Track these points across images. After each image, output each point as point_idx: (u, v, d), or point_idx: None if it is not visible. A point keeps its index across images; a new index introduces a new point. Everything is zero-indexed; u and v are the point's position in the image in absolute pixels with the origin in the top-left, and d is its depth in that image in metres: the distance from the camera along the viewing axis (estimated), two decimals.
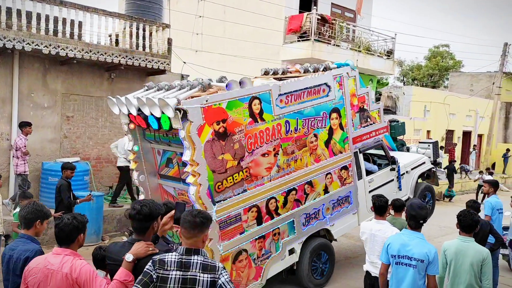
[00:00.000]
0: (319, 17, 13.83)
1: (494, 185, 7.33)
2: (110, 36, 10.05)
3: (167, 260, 2.76)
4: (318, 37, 13.83)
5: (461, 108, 21.44)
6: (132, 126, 5.93)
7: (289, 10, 14.38)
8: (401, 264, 3.89)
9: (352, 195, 7.20)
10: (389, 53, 16.51)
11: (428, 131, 19.64)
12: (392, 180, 8.06)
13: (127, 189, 9.92)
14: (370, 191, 7.45)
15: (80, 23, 9.48)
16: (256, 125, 5.69)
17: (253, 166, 5.68)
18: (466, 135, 22.62)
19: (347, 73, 7.10)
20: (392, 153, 8.35)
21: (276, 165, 5.98)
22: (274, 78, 6.67)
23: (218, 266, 2.78)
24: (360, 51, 15.13)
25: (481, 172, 16.43)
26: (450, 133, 21.19)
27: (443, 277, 4.22)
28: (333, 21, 14.45)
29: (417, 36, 33.71)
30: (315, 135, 6.57)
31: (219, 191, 5.31)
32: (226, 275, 2.76)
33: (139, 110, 5.39)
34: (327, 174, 6.74)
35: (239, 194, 5.52)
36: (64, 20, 9.14)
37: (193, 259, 2.76)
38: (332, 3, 15.93)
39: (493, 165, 21.46)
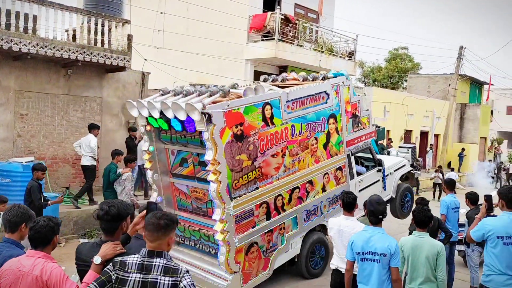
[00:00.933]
0: (283, 17, 13.88)
1: (450, 184, 7.54)
2: (67, 31, 9.69)
3: (128, 262, 2.68)
4: (282, 36, 13.87)
5: (419, 109, 22.13)
6: (148, 128, 6.51)
7: (253, 9, 14.35)
8: (366, 260, 3.96)
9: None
10: (351, 55, 16.79)
11: (388, 131, 20.15)
12: (378, 180, 8.74)
13: (81, 188, 9.63)
14: (360, 190, 8.12)
15: (34, 17, 9.06)
16: (267, 128, 6.29)
17: (264, 166, 6.27)
18: (424, 134, 23.38)
19: (343, 82, 7.78)
20: (377, 156, 9.08)
21: (283, 165, 6.60)
22: (274, 85, 7.21)
23: (181, 269, 2.70)
24: (323, 52, 15.30)
25: (437, 171, 16.98)
26: (408, 133, 21.83)
27: (402, 271, 4.32)
28: (297, 21, 14.54)
29: (377, 38, 34.54)
30: (316, 138, 7.23)
31: (235, 188, 5.84)
32: (188, 278, 2.68)
33: (160, 113, 5.84)
34: (324, 174, 7.41)
35: (252, 191, 6.07)
36: (17, 13, 8.71)
37: (155, 262, 2.68)
38: (295, 4, 16.04)
39: (449, 164, 22.27)
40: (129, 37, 10.44)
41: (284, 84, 7.66)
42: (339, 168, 7.71)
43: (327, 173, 7.44)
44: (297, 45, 14.45)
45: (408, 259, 4.22)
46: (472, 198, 6.74)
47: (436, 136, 24.28)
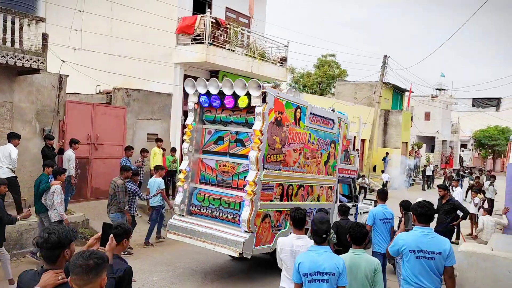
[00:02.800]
0: (214, 20, 13.50)
1: (381, 195, 7.54)
2: None
3: None
4: (213, 40, 13.49)
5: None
6: (196, 106, 7.75)
7: (182, 11, 13.82)
8: (314, 282, 3.82)
9: (330, 211, 8.77)
10: (283, 61, 16.81)
11: None
12: (352, 214, 9.54)
13: (15, 203, 8.81)
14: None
15: None
16: (295, 126, 7.71)
17: (287, 155, 7.59)
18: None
19: (344, 120, 9.32)
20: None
21: (298, 162, 7.92)
22: None
23: None
24: (254, 57, 15.14)
25: (363, 176, 17.46)
26: None
27: None
28: (228, 25, 14.23)
29: (307, 45, 35.30)
30: (321, 153, 8.59)
31: (267, 162, 7.12)
32: None
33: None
34: (321, 186, 8.69)
35: (276, 170, 7.35)
36: None
37: None
38: (226, 7, 15.74)
39: (374, 168, 23.18)
40: (44, 37, 9.47)
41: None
42: (330, 188, 9.05)
43: (322, 186, 8.73)
44: (229, 49, 14.14)
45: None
46: (405, 206, 6.73)
47: (363, 141, 25.18)
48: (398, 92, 32.20)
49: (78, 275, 2.42)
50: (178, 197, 7.87)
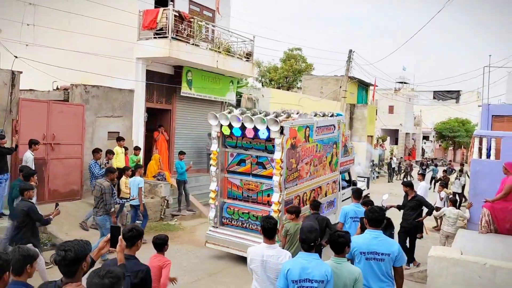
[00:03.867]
0: (176, 14, 13.05)
1: (355, 193, 7.64)
2: None
3: None
4: (176, 35, 13.06)
5: (314, 109, 22.75)
6: (219, 134, 8.73)
7: (143, 4, 13.28)
8: None
9: (335, 201, 10.81)
10: (248, 55, 16.54)
11: None
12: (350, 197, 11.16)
13: None
14: (342, 200, 11.15)
15: None
16: (305, 143, 9.02)
17: (301, 170, 8.90)
18: None
19: (342, 120, 10.94)
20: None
21: (310, 172, 9.29)
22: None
23: None
24: (220, 52, 14.80)
25: None
26: None
27: None
28: (191, 19, 13.81)
29: (273, 39, 35.18)
30: (326, 156, 10.11)
31: (287, 181, 8.31)
32: None
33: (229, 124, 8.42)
34: (327, 184, 10.24)
35: (294, 186, 8.61)
36: None
37: None
38: (190, 0, 15.29)
39: None
40: None
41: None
42: (334, 181, 10.66)
43: (328, 183, 10.30)
44: (193, 44, 13.74)
45: None
46: (365, 203, 7.26)
47: None
48: (363, 86, 32.60)
49: None
50: (211, 213, 9.04)
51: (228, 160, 8.99)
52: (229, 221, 8.93)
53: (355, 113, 29.19)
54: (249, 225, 8.66)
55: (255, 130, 8.10)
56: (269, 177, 8.31)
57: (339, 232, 4.21)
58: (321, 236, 6.65)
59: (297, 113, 9.24)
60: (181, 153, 13.05)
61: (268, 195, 8.39)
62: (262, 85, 38.01)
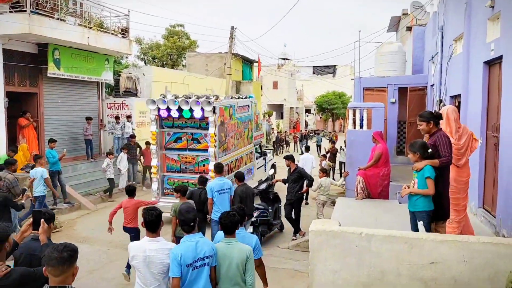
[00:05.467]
0: None
1: (216, 168, 8.16)
2: None
3: None
4: (36, 8, 11.57)
5: (199, 87, 22.34)
6: (156, 117, 10.29)
7: None
8: (197, 268, 3.85)
9: (253, 168, 13.37)
10: (124, 31, 15.44)
11: None
12: (263, 165, 14.82)
13: None
14: (257, 168, 13.94)
15: None
16: (230, 120, 11.10)
17: (228, 142, 10.95)
18: None
19: (253, 101, 13.31)
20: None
21: (234, 144, 11.41)
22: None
23: None
24: (91, 28, 13.54)
25: None
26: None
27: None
28: None
29: (153, 15, 33.56)
30: (244, 131, 12.31)
31: (219, 152, 10.28)
32: None
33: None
34: (246, 154, 12.60)
35: (224, 156, 10.61)
36: None
37: None
38: None
39: None
40: None
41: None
42: (251, 152, 13.17)
43: (247, 154, 12.68)
44: (58, 19, 12.33)
45: (219, 267, 4.07)
46: (237, 176, 8.28)
47: None
48: (248, 63, 32.94)
49: (53, 267, 2.72)
50: (154, 185, 10.54)
51: (165, 139, 10.61)
52: (170, 191, 10.28)
53: (241, 90, 29.39)
54: None
55: (180, 111, 9.98)
56: (204, 150, 10.23)
57: (232, 213, 4.12)
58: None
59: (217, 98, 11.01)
60: (52, 140, 11.77)
61: (204, 165, 10.33)
62: (145, 63, 36.31)
